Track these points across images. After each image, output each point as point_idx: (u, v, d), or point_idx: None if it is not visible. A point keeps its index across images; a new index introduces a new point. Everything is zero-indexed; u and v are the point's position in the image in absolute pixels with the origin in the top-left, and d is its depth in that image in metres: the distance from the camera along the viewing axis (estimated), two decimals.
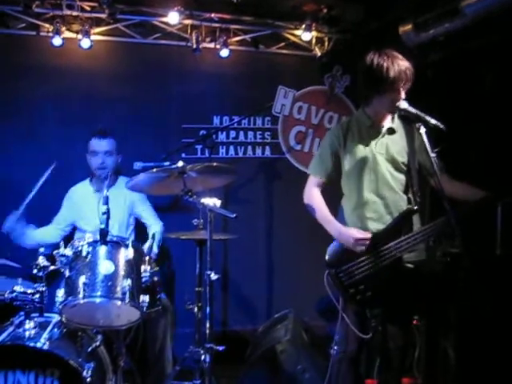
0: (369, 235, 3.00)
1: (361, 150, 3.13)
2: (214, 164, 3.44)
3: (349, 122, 3.24)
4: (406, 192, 3.16)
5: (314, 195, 3.21)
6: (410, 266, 3.04)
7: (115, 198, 3.84)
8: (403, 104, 2.94)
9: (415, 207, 3.09)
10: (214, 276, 3.19)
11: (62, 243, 2.99)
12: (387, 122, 3.17)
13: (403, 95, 2.97)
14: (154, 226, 4.13)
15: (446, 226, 2.99)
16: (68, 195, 4.14)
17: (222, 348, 3.28)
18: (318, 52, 5.04)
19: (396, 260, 3.00)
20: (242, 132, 5.04)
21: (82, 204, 4.04)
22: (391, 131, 3.16)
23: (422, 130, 2.75)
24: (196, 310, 3.49)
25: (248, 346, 4.24)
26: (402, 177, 3.15)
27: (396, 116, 3.18)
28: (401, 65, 2.94)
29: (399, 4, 4.31)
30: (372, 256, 3.00)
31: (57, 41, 4.34)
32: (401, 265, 3.02)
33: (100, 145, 3.96)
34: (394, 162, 3.13)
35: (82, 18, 4.39)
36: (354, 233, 3.02)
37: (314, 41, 5.00)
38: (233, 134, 5.02)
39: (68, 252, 2.94)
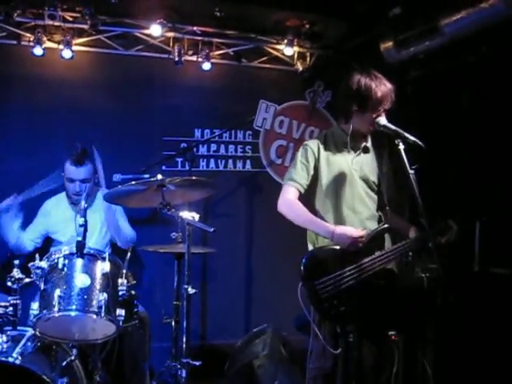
0: (363, 232, 2.98)
1: (338, 166, 3.15)
2: (193, 178, 3.44)
3: (325, 136, 3.24)
4: (376, 210, 3.22)
5: (293, 202, 3.11)
6: (381, 281, 3.05)
7: (93, 210, 3.83)
8: (382, 120, 2.98)
9: (387, 225, 3.12)
10: (191, 290, 3.17)
11: (37, 255, 2.95)
12: (362, 141, 3.21)
13: (384, 116, 3.02)
14: (129, 235, 4.10)
15: (418, 244, 3.05)
16: (43, 207, 4.09)
17: (198, 363, 3.25)
18: (299, 67, 5.07)
19: (369, 276, 3.01)
20: (223, 145, 5.04)
21: (58, 216, 4.00)
22: (365, 150, 3.22)
23: (401, 146, 2.77)
24: (173, 323, 3.47)
25: (226, 360, 4.21)
26: (374, 195, 3.20)
27: (369, 137, 3.23)
28: (387, 86, 3.02)
29: (381, 21, 4.35)
30: (347, 271, 2.99)
31: (38, 50, 4.31)
32: (374, 281, 3.02)
33: (77, 173, 3.88)
34: (367, 180, 3.17)
35: (63, 28, 4.37)
36: (351, 231, 2.98)
37: (296, 56, 5.03)
38: (214, 147, 5.02)
39: (44, 264, 2.91)
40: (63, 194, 4.10)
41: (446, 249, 2.98)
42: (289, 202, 3.14)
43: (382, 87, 3.00)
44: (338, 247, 3.05)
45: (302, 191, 3.16)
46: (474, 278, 3.97)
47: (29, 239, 4.02)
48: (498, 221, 3.84)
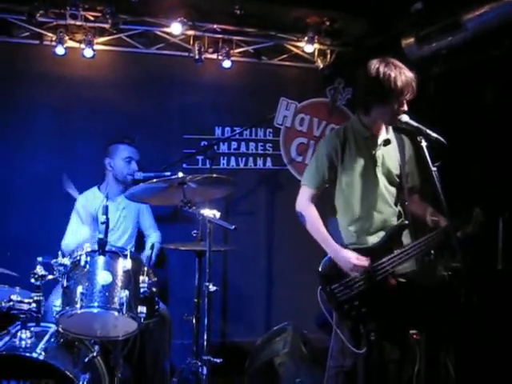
0: (366, 263, 2.96)
1: (359, 164, 3.10)
2: (214, 175, 3.43)
3: (344, 130, 3.15)
4: (396, 205, 3.16)
5: (310, 210, 3.12)
6: (403, 280, 3.02)
7: (127, 208, 3.87)
8: (404, 117, 2.91)
9: (407, 222, 3.08)
10: (212, 287, 3.17)
11: (59, 252, 2.98)
12: (383, 133, 3.14)
13: (406, 107, 2.95)
14: (153, 235, 4.13)
15: (438, 240, 3.00)
16: (78, 203, 4.04)
17: (219, 360, 3.26)
18: (320, 64, 5.05)
19: (389, 275, 2.99)
20: (244, 143, 5.04)
21: (93, 209, 3.97)
22: (386, 143, 3.13)
23: (424, 143, 2.74)
24: (194, 321, 3.48)
25: (246, 358, 4.21)
26: (394, 190, 3.15)
27: (390, 127, 3.16)
28: (408, 75, 2.91)
29: (402, 17, 4.31)
30: (366, 271, 2.97)
31: (60, 50, 4.35)
32: (395, 280, 3.00)
33: (134, 152, 4.09)
34: (388, 175, 3.12)
35: (85, 27, 4.41)
36: (352, 258, 2.97)
37: (316, 53, 5.01)
38: (234, 144, 5.02)
39: (66, 261, 2.94)
40: (95, 188, 4.13)
41: (470, 246, 2.93)
42: (304, 207, 3.14)
43: (403, 77, 2.88)
44: (355, 248, 3.05)
45: (320, 192, 3.15)
46: (497, 276, 3.92)
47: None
48: None
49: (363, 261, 2.96)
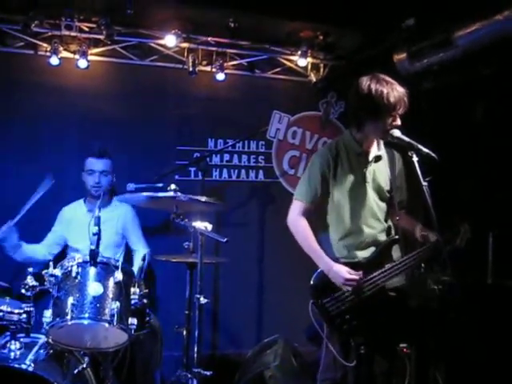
0: (358, 277, 2.97)
1: (350, 179, 3.11)
2: (204, 199, 3.46)
3: (336, 145, 3.17)
4: (386, 221, 3.18)
5: (302, 224, 3.12)
6: (393, 294, 3.03)
7: (108, 220, 3.85)
8: (396, 132, 2.93)
9: (396, 236, 3.11)
10: (203, 300, 3.18)
11: (51, 263, 2.97)
12: (374, 149, 3.16)
13: (399, 121, 2.96)
14: (141, 250, 4.12)
15: (428, 255, 3.03)
16: (61, 214, 4.14)
17: (209, 373, 3.26)
18: (313, 78, 5.08)
19: (380, 289, 3.00)
20: (236, 155, 5.05)
21: (75, 223, 4.02)
22: (378, 159, 3.16)
23: (415, 158, 2.76)
24: (185, 333, 3.47)
25: (237, 370, 4.20)
26: (384, 205, 3.17)
27: (381, 142, 3.18)
28: (399, 91, 2.93)
29: (394, 33, 4.35)
30: (357, 286, 2.99)
31: (54, 60, 4.36)
32: (385, 294, 3.02)
33: (97, 164, 4.00)
34: (379, 191, 3.14)
35: (79, 38, 4.42)
36: (344, 272, 2.97)
37: (309, 67, 5.05)
38: (227, 157, 5.03)
39: (57, 272, 2.93)
40: (81, 201, 4.14)
41: (460, 261, 2.95)
42: (296, 222, 3.14)
43: (395, 92, 2.90)
44: (346, 262, 3.06)
45: (312, 207, 3.15)
46: (487, 290, 3.94)
47: (47, 247, 4.07)
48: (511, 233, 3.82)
49: (355, 275, 2.97)
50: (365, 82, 2.97)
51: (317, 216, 3.19)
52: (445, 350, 3.73)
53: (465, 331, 3.61)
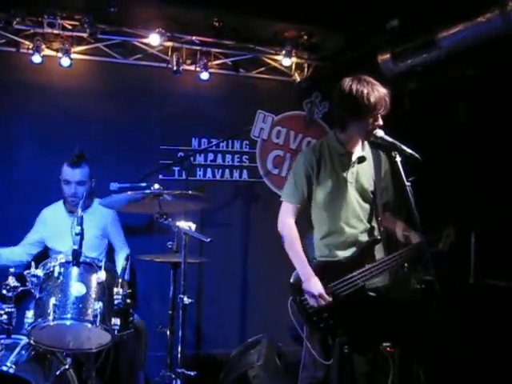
0: (328, 301, 2.96)
1: (333, 180, 3.13)
2: (189, 192, 3.43)
3: (320, 146, 3.20)
4: (370, 221, 3.20)
5: (290, 226, 3.15)
6: (373, 294, 3.05)
7: (89, 221, 3.80)
8: (379, 132, 2.95)
9: (379, 237, 3.13)
10: (187, 300, 3.16)
11: (33, 263, 2.94)
12: (358, 150, 3.18)
13: (381, 122, 2.99)
14: (122, 252, 4.08)
15: (410, 256, 3.05)
16: (41, 215, 4.10)
17: (193, 373, 3.25)
18: (297, 78, 5.09)
19: (359, 289, 3.02)
20: (220, 155, 5.05)
21: (55, 225, 3.99)
22: (361, 160, 3.18)
23: (398, 158, 2.78)
24: (168, 333, 3.45)
25: (221, 370, 4.20)
26: (367, 206, 3.18)
27: (366, 143, 3.20)
28: (380, 91, 2.96)
29: (378, 34, 4.37)
30: (336, 284, 3.01)
31: (36, 58, 4.31)
32: (364, 294, 3.03)
33: (73, 174, 3.89)
34: (362, 191, 3.16)
35: (62, 36, 4.38)
36: (319, 290, 2.97)
37: (293, 66, 5.06)
38: (211, 156, 5.03)
39: (39, 272, 2.90)
40: (60, 202, 4.09)
41: (442, 261, 2.98)
42: (285, 224, 3.18)
43: (376, 92, 2.93)
44: (326, 261, 3.09)
45: (300, 206, 3.18)
46: (469, 289, 3.97)
47: (25, 248, 4.02)
48: (494, 232, 3.85)
49: (326, 300, 2.97)
50: (347, 82, 3.00)
51: (305, 217, 3.21)
52: (428, 349, 3.76)
53: (447, 330, 3.63)
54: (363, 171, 3.17)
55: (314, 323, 3.02)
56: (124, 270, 3.13)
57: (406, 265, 3.34)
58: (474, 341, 3.69)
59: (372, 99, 2.92)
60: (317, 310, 3.00)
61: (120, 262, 3.90)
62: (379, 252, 3.13)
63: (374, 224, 3.19)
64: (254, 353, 4.00)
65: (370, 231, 3.18)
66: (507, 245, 3.78)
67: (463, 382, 3.69)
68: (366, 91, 2.92)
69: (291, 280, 3.09)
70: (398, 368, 3.59)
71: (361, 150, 3.19)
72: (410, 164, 2.80)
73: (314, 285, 2.99)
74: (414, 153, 2.79)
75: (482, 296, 3.84)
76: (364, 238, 3.15)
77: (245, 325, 4.98)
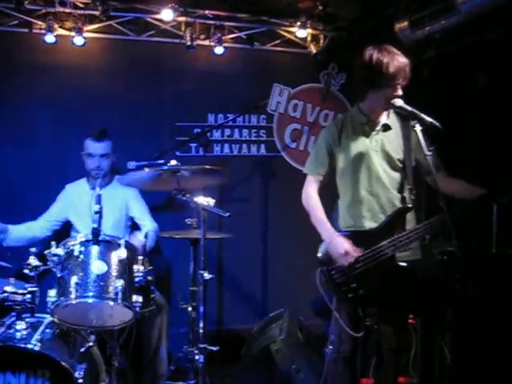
0: (356, 254, 2.96)
1: (355, 148, 3.11)
2: (207, 167, 3.41)
3: (344, 119, 3.21)
4: (400, 190, 3.13)
5: (311, 196, 3.18)
6: (403, 264, 3.02)
7: (111, 198, 3.82)
8: (398, 102, 2.91)
9: (409, 205, 3.07)
10: (207, 275, 3.17)
11: (53, 242, 2.95)
12: (382, 119, 3.14)
13: (400, 92, 2.95)
14: (148, 225, 4.09)
15: (440, 225, 2.98)
16: (64, 191, 4.09)
17: (216, 348, 3.27)
18: (313, 49, 5.00)
19: (389, 258, 2.99)
20: (237, 130, 5.01)
21: (77, 201, 3.97)
22: (386, 128, 3.13)
23: (418, 127, 2.73)
24: (190, 309, 3.48)
25: (243, 345, 4.22)
26: (396, 175, 3.12)
27: (391, 112, 3.16)
28: (400, 61, 2.93)
29: (395, 1, 4.28)
30: (365, 254, 2.98)
31: (49, 38, 4.30)
32: (394, 263, 3.00)
33: (96, 147, 3.92)
34: (389, 160, 3.11)
35: (74, 15, 4.34)
36: (345, 244, 2.97)
37: (309, 38, 4.97)
38: (227, 131, 4.99)
39: (60, 251, 2.91)
40: (84, 179, 4.10)
41: (464, 231, 2.92)
42: (307, 195, 3.21)
43: (395, 62, 2.91)
44: (353, 231, 3.06)
45: (323, 179, 3.20)
46: (491, 259, 3.93)
47: (46, 223, 4.01)
48: None
49: (355, 251, 2.96)
50: (368, 51, 2.99)
51: (331, 191, 3.22)
52: (451, 321, 3.73)
53: (470, 301, 3.60)
54: (389, 139, 3.12)
55: (342, 293, 3.01)
56: (144, 247, 3.13)
57: (427, 236, 3.29)
58: (497, 312, 3.66)
59: (391, 69, 2.90)
60: (345, 281, 2.99)
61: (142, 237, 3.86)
62: (411, 222, 3.08)
63: (406, 193, 3.13)
64: (276, 327, 4.01)
65: (401, 200, 3.12)
66: None
67: (486, 353, 3.66)
68: (385, 61, 2.91)
69: (318, 251, 3.09)
70: (420, 340, 3.58)
71: (386, 118, 3.15)
72: (431, 133, 2.75)
73: (339, 243, 2.98)
74: (434, 121, 2.73)
75: (505, 266, 3.79)
76: (393, 207, 3.10)
77: (266, 300, 4.99)
